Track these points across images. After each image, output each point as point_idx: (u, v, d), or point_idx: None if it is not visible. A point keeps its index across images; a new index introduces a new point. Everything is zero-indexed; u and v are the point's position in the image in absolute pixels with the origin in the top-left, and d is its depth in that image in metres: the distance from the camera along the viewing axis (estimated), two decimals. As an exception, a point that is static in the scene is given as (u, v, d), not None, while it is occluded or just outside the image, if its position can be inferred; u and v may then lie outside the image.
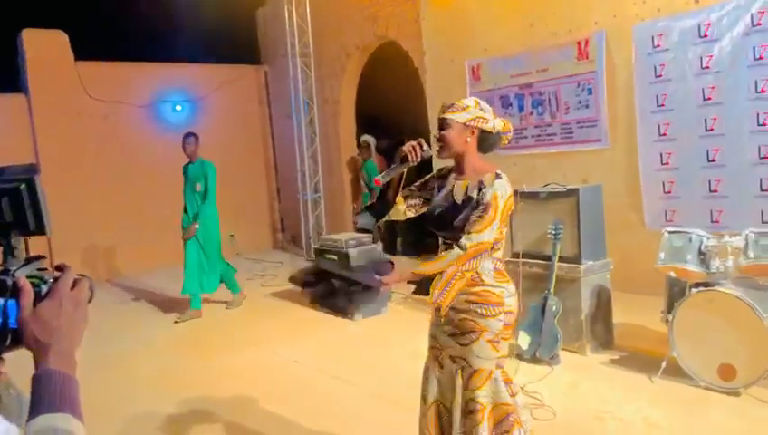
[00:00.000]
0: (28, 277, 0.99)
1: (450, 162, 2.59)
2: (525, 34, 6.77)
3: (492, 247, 2.39)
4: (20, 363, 1.11)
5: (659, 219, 5.78)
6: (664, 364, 3.90)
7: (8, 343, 0.96)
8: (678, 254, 3.93)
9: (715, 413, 3.48)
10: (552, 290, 4.41)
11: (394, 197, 2.59)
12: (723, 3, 5.23)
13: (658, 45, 5.65)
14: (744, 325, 3.54)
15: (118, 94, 9.36)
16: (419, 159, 2.46)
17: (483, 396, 2.42)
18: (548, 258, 4.48)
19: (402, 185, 2.59)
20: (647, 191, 5.92)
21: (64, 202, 8.36)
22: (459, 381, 2.46)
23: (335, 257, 6.16)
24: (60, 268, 1.03)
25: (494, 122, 2.49)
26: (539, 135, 6.82)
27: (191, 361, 5.20)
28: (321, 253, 6.41)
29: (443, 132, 2.47)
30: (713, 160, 5.43)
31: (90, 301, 1.04)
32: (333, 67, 9.80)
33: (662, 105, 5.70)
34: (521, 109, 6.96)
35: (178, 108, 10.07)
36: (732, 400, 3.60)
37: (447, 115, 2.45)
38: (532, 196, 4.72)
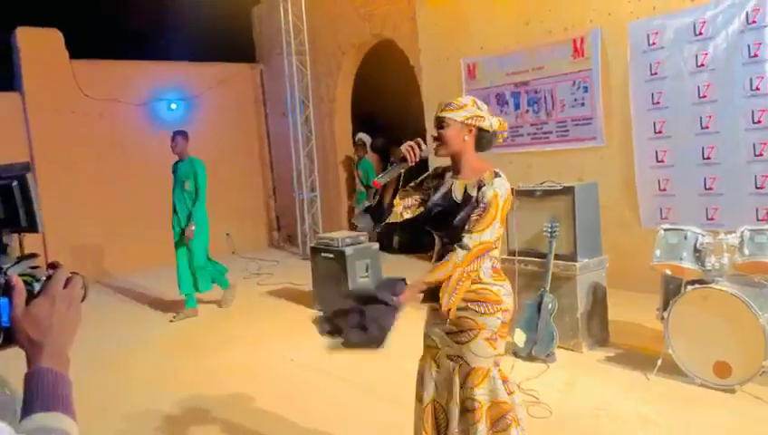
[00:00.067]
0: (21, 275, 0.98)
1: (445, 161, 2.57)
2: (521, 33, 6.78)
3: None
4: (13, 362, 1.10)
5: (655, 217, 5.79)
6: (659, 362, 3.91)
7: (1, 341, 0.96)
8: (674, 251, 3.94)
9: (710, 410, 3.49)
10: (547, 288, 4.42)
11: (392, 198, 2.57)
12: (718, 1, 5.24)
13: (654, 43, 5.66)
14: (740, 323, 3.55)
15: (112, 93, 9.32)
16: (418, 159, 2.44)
17: (480, 394, 2.41)
18: (544, 256, 4.49)
19: (401, 185, 2.58)
20: (642, 189, 5.93)
21: (59, 200, 8.34)
22: (457, 380, 2.46)
23: (331, 256, 6.16)
24: (53, 266, 1.02)
25: (491, 121, 2.49)
26: (535, 133, 6.83)
27: (187, 360, 5.19)
28: (316, 252, 6.40)
29: (441, 131, 2.45)
30: (708, 158, 5.44)
31: (83, 299, 1.03)
32: (329, 65, 9.79)
33: (657, 103, 5.72)
34: (517, 107, 6.96)
35: (173, 106, 10.03)
36: (727, 397, 3.61)
37: (445, 113, 2.44)
38: (528, 194, 4.72)
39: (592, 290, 4.58)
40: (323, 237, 6.52)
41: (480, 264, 2.36)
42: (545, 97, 6.67)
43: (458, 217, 2.40)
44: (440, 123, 2.45)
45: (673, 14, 5.53)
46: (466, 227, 2.35)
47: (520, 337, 4.42)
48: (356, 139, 9.48)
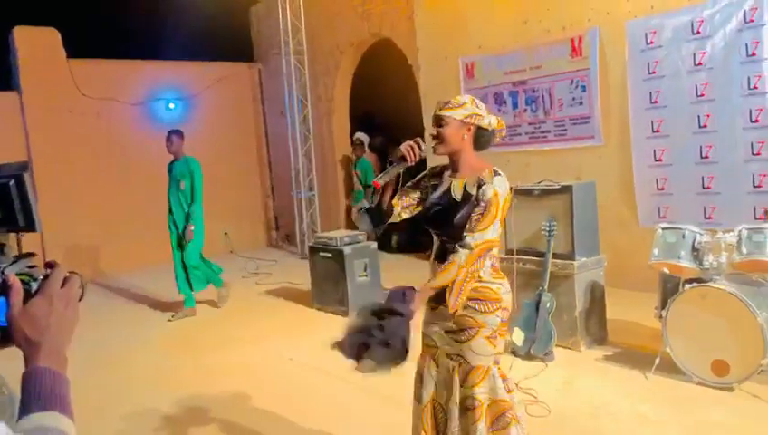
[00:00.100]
0: (18, 275, 0.98)
1: (443, 160, 2.57)
2: (519, 32, 6.78)
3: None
4: (11, 362, 1.10)
5: (653, 216, 5.80)
6: (657, 360, 3.91)
7: (-2, 340, 0.95)
8: (672, 250, 3.94)
9: (708, 409, 3.49)
10: (546, 287, 4.42)
11: (391, 198, 2.57)
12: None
13: (651, 42, 5.67)
14: (738, 321, 3.55)
15: (110, 92, 9.30)
16: (417, 159, 2.44)
17: (481, 392, 2.41)
18: (542, 255, 4.49)
19: (400, 185, 2.58)
20: (640, 188, 5.94)
21: (56, 199, 8.32)
22: (456, 378, 2.45)
23: (330, 255, 6.16)
24: (50, 265, 1.02)
25: (490, 119, 2.49)
26: (533, 132, 6.83)
27: (186, 359, 5.19)
28: (315, 251, 6.40)
29: (440, 129, 2.44)
30: (706, 157, 5.44)
31: (80, 298, 1.02)
32: (327, 64, 9.78)
33: (655, 102, 5.72)
34: (515, 106, 6.96)
35: (171, 106, 10.02)
36: (725, 395, 3.61)
37: (444, 112, 2.43)
38: (526, 193, 4.72)
39: (590, 289, 4.58)
40: (322, 237, 6.52)
41: (483, 263, 2.36)
42: (543, 96, 6.67)
43: (458, 216, 2.40)
44: (439, 121, 2.45)
45: (671, 13, 5.53)
46: (468, 226, 2.34)
47: (518, 336, 4.42)
48: (354, 138, 9.47)
